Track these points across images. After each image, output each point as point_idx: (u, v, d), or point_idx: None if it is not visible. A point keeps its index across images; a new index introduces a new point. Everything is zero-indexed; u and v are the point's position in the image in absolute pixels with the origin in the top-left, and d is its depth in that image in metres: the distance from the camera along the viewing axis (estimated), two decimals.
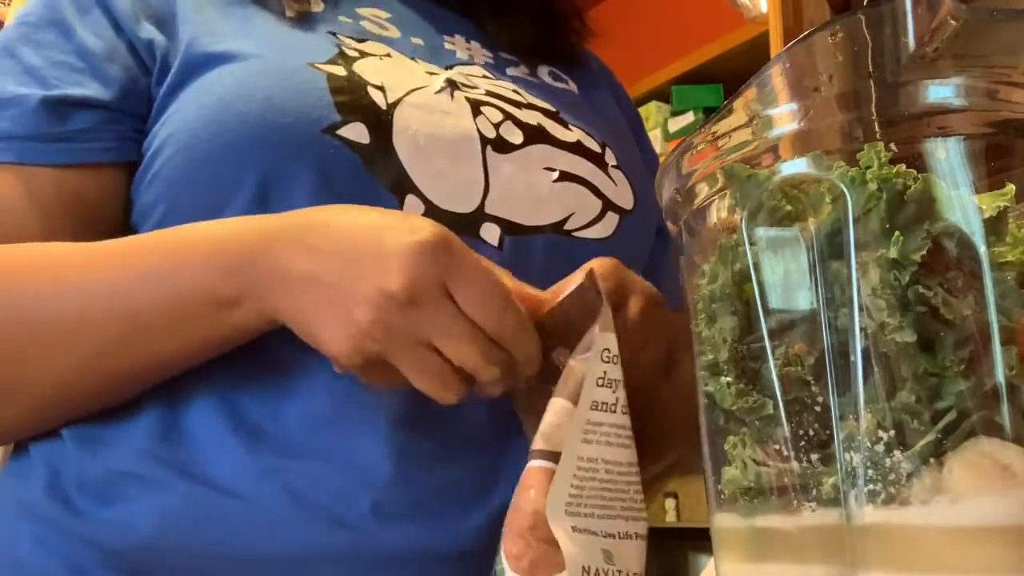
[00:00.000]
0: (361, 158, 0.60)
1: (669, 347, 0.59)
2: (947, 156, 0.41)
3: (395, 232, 0.50)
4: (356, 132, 0.61)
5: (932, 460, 0.37)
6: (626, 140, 0.78)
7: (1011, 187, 0.41)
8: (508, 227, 0.63)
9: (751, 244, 0.43)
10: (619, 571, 0.47)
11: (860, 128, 0.42)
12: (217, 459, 0.56)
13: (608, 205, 0.68)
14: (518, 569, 0.46)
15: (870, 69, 0.41)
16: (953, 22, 0.38)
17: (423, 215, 0.61)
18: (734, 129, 0.44)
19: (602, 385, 0.49)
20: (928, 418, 0.37)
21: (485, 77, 0.72)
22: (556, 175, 0.67)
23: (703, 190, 0.46)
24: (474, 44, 0.76)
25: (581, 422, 0.48)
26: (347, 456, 0.56)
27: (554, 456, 0.47)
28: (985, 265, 0.38)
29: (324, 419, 0.57)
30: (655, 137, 2.72)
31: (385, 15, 0.73)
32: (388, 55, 0.67)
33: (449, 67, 0.71)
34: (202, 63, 0.63)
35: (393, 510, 0.56)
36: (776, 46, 2.01)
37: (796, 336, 0.41)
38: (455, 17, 0.78)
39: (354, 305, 0.49)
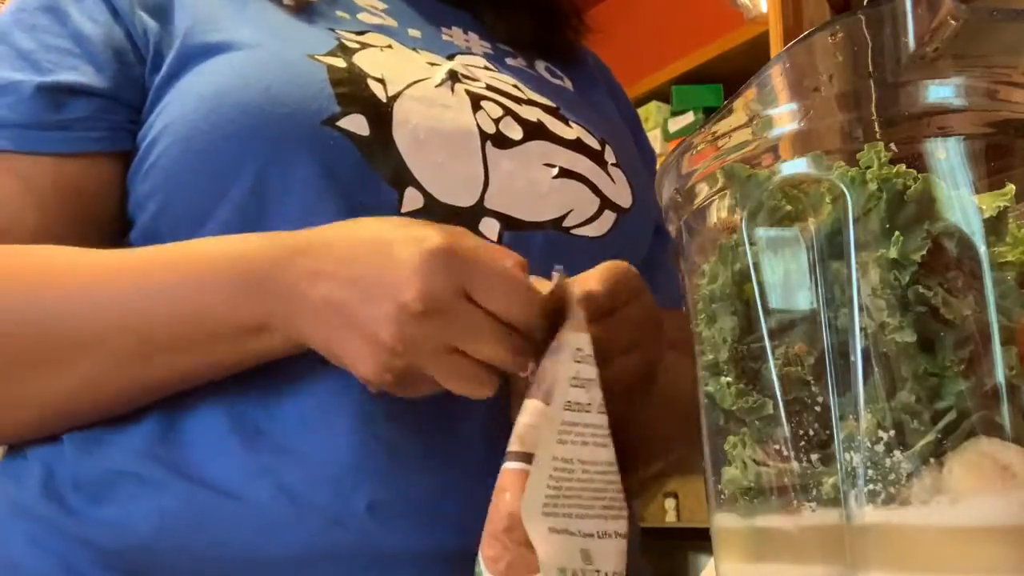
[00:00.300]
0: (360, 150, 0.60)
1: (656, 358, 0.59)
2: (947, 156, 0.41)
3: (402, 245, 0.50)
4: (356, 124, 0.60)
5: (932, 460, 0.37)
6: (624, 138, 0.78)
7: (1011, 187, 0.41)
8: (507, 222, 0.63)
9: (751, 244, 0.43)
10: (597, 571, 0.47)
11: (860, 128, 0.42)
12: (215, 459, 0.56)
13: (606, 203, 0.68)
14: (495, 572, 0.46)
15: (870, 69, 0.41)
16: (953, 22, 0.38)
17: (423, 208, 0.61)
18: (734, 129, 0.44)
19: (576, 385, 0.49)
20: (928, 418, 0.37)
21: (487, 68, 0.71)
22: (556, 171, 0.67)
23: (703, 190, 0.46)
24: (472, 35, 0.76)
25: (555, 423, 0.48)
26: (344, 456, 0.56)
27: (528, 457, 0.47)
28: (985, 265, 0.38)
29: (321, 419, 0.57)
30: (655, 137, 2.72)
31: (382, 6, 0.73)
32: (389, 46, 0.67)
33: (451, 56, 0.71)
34: (199, 53, 0.62)
35: (390, 510, 0.56)
36: (776, 46, 2.00)
37: (796, 336, 0.41)
38: (451, 9, 0.78)
39: (375, 325, 0.50)
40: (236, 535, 0.54)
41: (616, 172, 0.71)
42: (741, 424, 0.42)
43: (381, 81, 0.63)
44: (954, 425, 0.37)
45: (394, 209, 0.60)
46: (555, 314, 0.51)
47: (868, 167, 0.40)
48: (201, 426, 0.57)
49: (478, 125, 0.65)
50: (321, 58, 0.62)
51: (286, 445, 0.56)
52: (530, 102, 0.70)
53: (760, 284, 0.42)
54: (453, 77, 0.66)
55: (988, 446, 0.37)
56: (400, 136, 0.61)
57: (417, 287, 0.48)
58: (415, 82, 0.64)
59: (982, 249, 0.39)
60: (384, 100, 0.62)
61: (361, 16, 0.70)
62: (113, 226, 0.63)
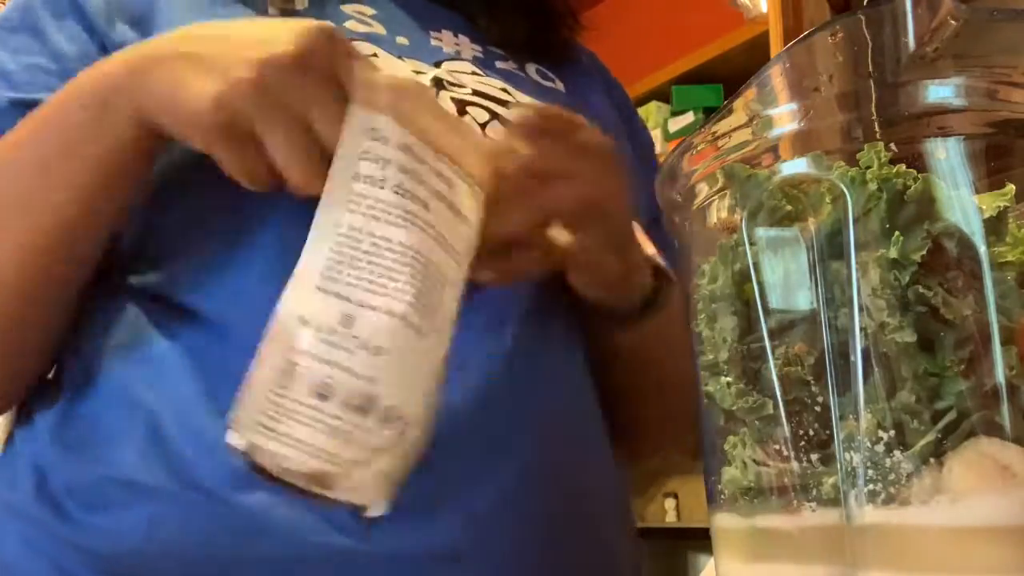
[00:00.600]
0: None
1: (612, 210, 0.59)
2: (947, 156, 0.41)
3: (280, 24, 0.50)
4: None
5: (932, 460, 0.37)
6: (617, 140, 0.78)
7: (1011, 187, 0.41)
8: None
9: (751, 244, 0.43)
10: (355, 336, 0.44)
11: (860, 128, 0.42)
12: (206, 463, 0.56)
13: None
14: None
15: (870, 69, 0.41)
16: (953, 22, 0.38)
17: None
18: (734, 129, 0.44)
19: (367, 159, 0.47)
20: (928, 418, 0.37)
21: (474, 74, 0.71)
22: None
23: (703, 190, 0.46)
24: (462, 38, 0.76)
25: (344, 192, 0.46)
26: None
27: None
28: (985, 265, 0.38)
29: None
30: (655, 137, 2.72)
31: (370, 11, 0.72)
32: (375, 55, 0.67)
33: (438, 63, 0.70)
34: None
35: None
36: (776, 46, 2.01)
37: (796, 336, 0.41)
38: (444, 11, 0.77)
39: (233, 66, 0.48)
40: (228, 538, 0.54)
41: None
42: (741, 424, 0.42)
43: None
44: (954, 425, 0.37)
45: None
46: None
47: (868, 167, 0.40)
48: (192, 431, 0.57)
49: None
50: None
51: None
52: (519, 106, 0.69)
53: (760, 284, 0.42)
54: (438, 85, 0.66)
55: (988, 446, 0.37)
56: None
57: (297, 45, 0.47)
58: None
59: (982, 249, 0.39)
60: None
61: (348, 24, 0.70)
62: None
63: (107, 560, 0.55)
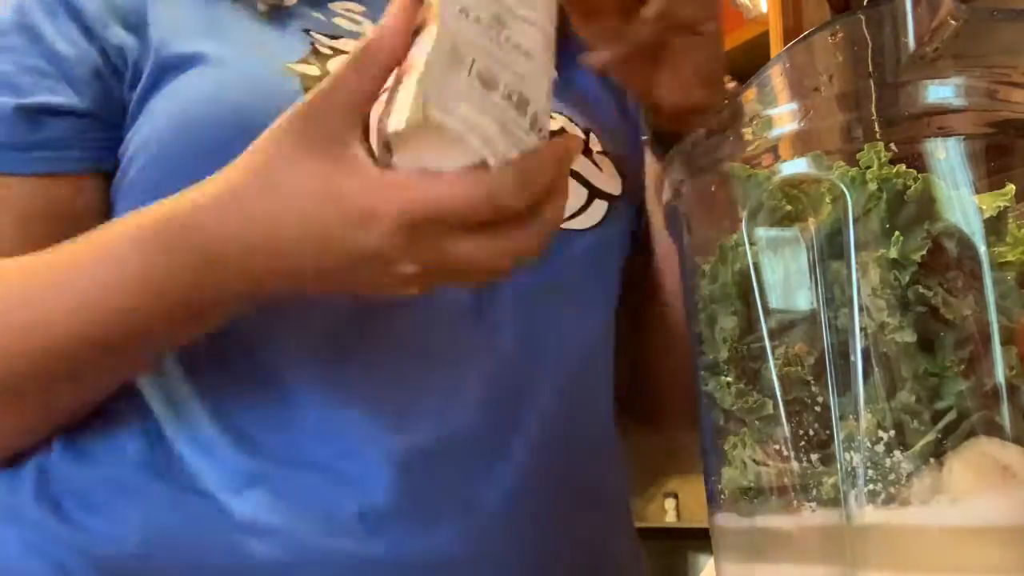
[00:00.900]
0: None
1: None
2: (947, 156, 0.41)
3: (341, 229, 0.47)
4: None
5: (932, 460, 0.37)
6: (609, 120, 0.77)
7: (1011, 187, 0.41)
8: None
9: (751, 244, 0.43)
10: (508, 38, 0.43)
11: (860, 128, 0.42)
12: (207, 468, 0.56)
13: (595, 192, 0.68)
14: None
15: (870, 69, 0.42)
16: (953, 22, 0.38)
17: None
18: None
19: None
20: (928, 418, 0.37)
21: None
22: None
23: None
24: None
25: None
26: (336, 463, 0.56)
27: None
28: (985, 265, 0.38)
29: (314, 427, 0.57)
30: None
31: (359, 8, 0.72)
32: None
33: None
34: (172, 66, 0.61)
35: (383, 516, 0.56)
36: (776, 46, 2.01)
37: (796, 336, 0.41)
38: None
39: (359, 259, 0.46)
40: (227, 542, 0.54)
41: (603, 160, 0.70)
42: (741, 424, 0.42)
43: None
44: (954, 425, 0.37)
45: None
46: None
47: (868, 167, 0.40)
48: (194, 436, 0.57)
49: None
50: (294, 66, 0.62)
51: (278, 452, 0.56)
52: None
53: (760, 284, 0.42)
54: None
55: (988, 446, 0.37)
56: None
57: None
58: None
59: (982, 249, 0.39)
60: None
61: (337, 21, 0.69)
62: None
63: (108, 562, 0.55)
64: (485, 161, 0.42)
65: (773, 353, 0.41)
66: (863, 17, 0.41)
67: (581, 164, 0.68)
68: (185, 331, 0.54)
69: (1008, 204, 0.40)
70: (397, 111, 0.42)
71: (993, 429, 0.37)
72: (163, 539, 0.55)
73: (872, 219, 0.39)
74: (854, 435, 0.38)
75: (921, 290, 0.38)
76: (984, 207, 0.40)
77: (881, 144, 0.40)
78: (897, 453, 0.37)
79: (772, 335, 0.41)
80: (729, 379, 0.42)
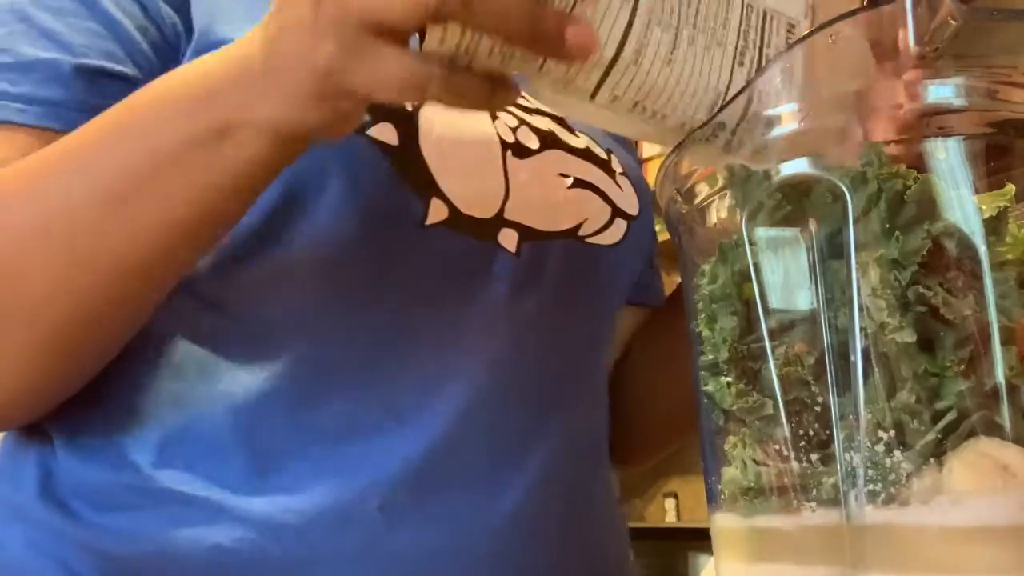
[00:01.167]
0: (391, 160, 0.59)
1: None
2: (947, 156, 0.41)
3: None
4: (385, 133, 0.59)
5: (932, 460, 0.37)
6: (624, 144, 0.78)
7: (1011, 187, 0.41)
8: (525, 232, 0.63)
9: (751, 244, 0.43)
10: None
11: (860, 128, 0.42)
12: (221, 466, 0.56)
13: (617, 212, 0.69)
14: None
15: (870, 69, 0.41)
16: (953, 22, 0.38)
17: (447, 219, 0.60)
18: None
19: None
20: (928, 418, 0.37)
21: None
22: (570, 181, 0.66)
23: (703, 190, 0.47)
24: None
25: None
26: (356, 459, 0.56)
27: None
28: (985, 265, 0.38)
29: (332, 428, 0.57)
30: None
31: None
32: None
33: None
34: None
35: (403, 510, 0.56)
36: None
37: (796, 336, 0.41)
38: None
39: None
40: (244, 541, 0.54)
41: (623, 180, 0.71)
42: (741, 424, 0.42)
43: None
44: (954, 425, 0.37)
45: (419, 220, 0.59)
46: None
47: (868, 167, 0.40)
48: (207, 434, 0.57)
49: (498, 134, 0.64)
50: None
51: (295, 451, 0.56)
52: (538, 111, 0.69)
53: (760, 284, 0.42)
54: None
55: (988, 446, 0.37)
56: (427, 146, 0.61)
57: None
58: None
59: (982, 249, 0.39)
60: (410, 108, 0.61)
61: None
62: None
63: (117, 562, 0.55)
64: None
65: (773, 353, 0.41)
66: (863, 17, 0.41)
67: (605, 183, 0.69)
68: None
69: (1008, 204, 0.40)
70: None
71: (993, 429, 0.37)
72: (177, 538, 0.55)
73: (872, 219, 0.39)
74: (854, 435, 0.38)
75: (921, 290, 0.38)
76: (984, 207, 0.40)
77: (881, 144, 0.40)
78: (897, 453, 0.37)
79: (772, 335, 0.41)
80: (729, 379, 0.42)
